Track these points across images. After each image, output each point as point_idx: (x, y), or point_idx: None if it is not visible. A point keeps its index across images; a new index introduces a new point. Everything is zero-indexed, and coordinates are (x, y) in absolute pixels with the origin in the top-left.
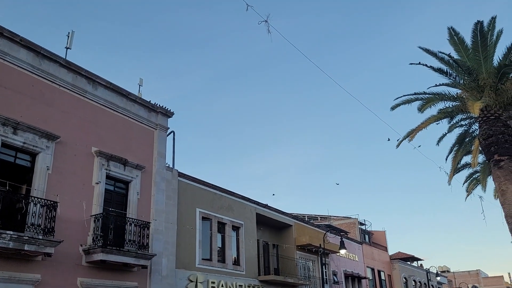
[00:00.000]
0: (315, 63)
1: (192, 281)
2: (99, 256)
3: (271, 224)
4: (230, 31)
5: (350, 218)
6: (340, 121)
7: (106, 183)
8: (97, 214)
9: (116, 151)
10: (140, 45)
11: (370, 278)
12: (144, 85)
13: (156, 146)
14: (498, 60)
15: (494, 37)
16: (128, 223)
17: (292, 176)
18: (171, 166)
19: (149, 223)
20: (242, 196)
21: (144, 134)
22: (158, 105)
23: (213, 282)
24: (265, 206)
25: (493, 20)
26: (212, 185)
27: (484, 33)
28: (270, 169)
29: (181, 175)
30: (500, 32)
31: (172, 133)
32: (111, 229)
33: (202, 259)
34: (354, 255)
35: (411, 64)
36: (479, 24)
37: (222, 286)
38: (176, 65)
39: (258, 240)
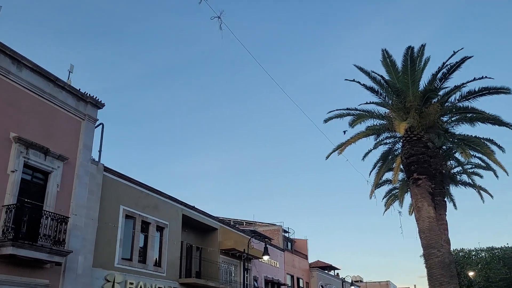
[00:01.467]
0: (262, 66)
1: (109, 281)
2: (8, 250)
3: (197, 227)
4: (178, 25)
5: (275, 225)
6: (276, 127)
7: (23, 172)
8: (10, 205)
9: (37, 139)
10: (74, 31)
11: (289, 285)
12: (76, 72)
13: (83, 138)
14: (424, 85)
15: (422, 63)
16: (44, 216)
17: (220, 179)
18: (96, 159)
19: (68, 217)
20: (169, 196)
21: (70, 124)
22: (88, 95)
23: (131, 283)
24: (192, 208)
25: (422, 47)
26: (139, 182)
27: (414, 59)
28: (199, 170)
29: (107, 169)
30: (428, 59)
31: (101, 125)
32: (24, 221)
33: (122, 258)
34: (276, 262)
35: (346, 80)
36: (410, 49)
37: (141, 287)
38: (112, 56)
39: (182, 242)
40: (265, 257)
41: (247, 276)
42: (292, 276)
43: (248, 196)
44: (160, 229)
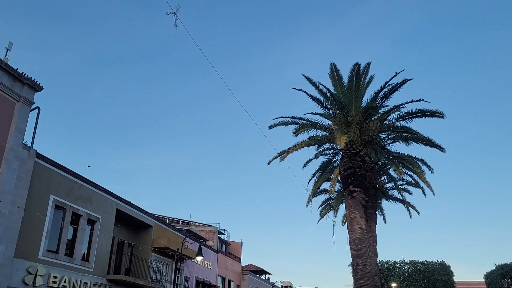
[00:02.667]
0: (214, 68)
1: (31, 274)
2: None
3: (131, 223)
4: (132, 15)
5: (211, 226)
6: (224, 129)
7: None
8: None
9: None
10: (16, 5)
11: (220, 287)
12: (14, 51)
13: (15, 120)
14: (367, 102)
15: (367, 80)
16: None
17: (161, 176)
18: (29, 145)
19: None
20: (105, 189)
21: (3, 104)
22: (26, 75)
23: (55, 277)
24: (128, 202)
25: (368, 65)
26: (73, 172)
27: (359, 75)
28: (140, 165)
29: (39, 156)
30: (372, 77)
31: (37, 109)
32: None
33: (47, 250)
34: (208, 263)
35: (294, 89)
36: (356, 66)
37: (65, 282)
38: (57, 39)
39: (114, 237)
40: (199, 258)
41: (178, 276)
42: (223, 278)
43: (187, 196)
44: (91, 222)
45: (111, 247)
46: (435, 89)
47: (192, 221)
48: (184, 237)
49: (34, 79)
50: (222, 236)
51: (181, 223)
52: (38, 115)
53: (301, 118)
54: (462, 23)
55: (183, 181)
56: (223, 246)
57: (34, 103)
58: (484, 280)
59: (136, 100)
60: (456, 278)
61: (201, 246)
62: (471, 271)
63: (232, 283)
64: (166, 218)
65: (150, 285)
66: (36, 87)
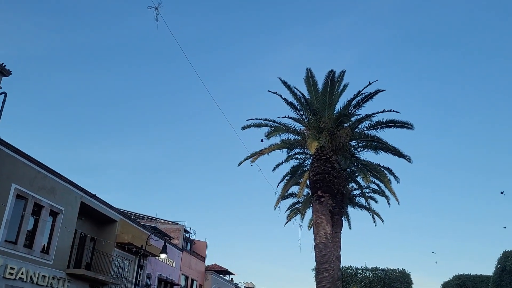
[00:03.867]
0: (193, 66)
1: None
2: None
3: (95, 216)
4: (112, 7)
5: (177, 223)
6: (199, 127)
7: None
8: None
9: None
10: None
11: (183, 286)
12: None
13: None
14: (340, 109)
15: (341, 88)
16: None
17: (131, 171)
18: None
19: None
20: (70, 180)
21: None
22: None
23: (12, 268)
24: (93, 196)
25: (342, 73)
26: (37, 161)
27: (334, 83)
28: (109, 159)
29: (2, 143)
30: (346, 85)
31: (3, 94)
32: None
33: (5, 241)
34: (172, 261)
35: (269, 91)
36: (331, 73)
37: (23, 274)
38: (30, 25)
39: (76, 230)
40: (163, 256)
41: (140, 273)
42: (187, 277)
43: (155, 192)
44: (53, 214)
45: (73, 241)
46: (406, 101)
47: (158, 218)
48: (149, 233)
49: (2, 63)
50: (187, 235)
51: (146, 219)
52: (4, 101)
53: (274, 121)
54: (433, 37)
55: (152, 177)
56: (188, 244)
57: (0, 87)
58: None
59: (109, 93)
60: (414, 287)
61: (166, 244)
62: (429, 281)
63: (195, 282)
64: (132, 214)
65: (111, 280)
66: (3, 72)
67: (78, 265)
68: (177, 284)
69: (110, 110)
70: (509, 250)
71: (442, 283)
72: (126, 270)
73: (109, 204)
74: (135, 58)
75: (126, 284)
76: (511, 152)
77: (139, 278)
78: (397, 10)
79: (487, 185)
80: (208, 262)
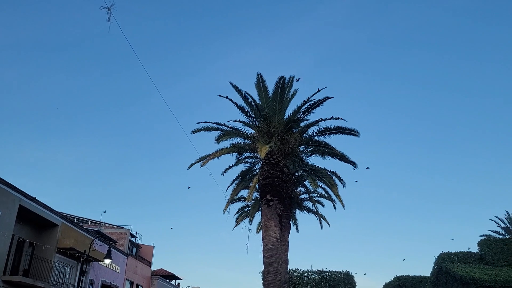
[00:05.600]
0: (144, 67)
1: None
2: None
3: (35, 220)
4: (63, 5)
5: (122, 228)
6: (149, 129)
7: None
8: None
9: None
10: None
11: None
12: None
13: None
14: (289, 115)
15: (291, 94)
16: None
17: (72, 172)
18: None
19: None
20: (7, 182)
21: None
22: None
23: None
24: (33, 199)
25: (292, 79)
26: None
27: (284, 88)
28: (49, 159)
29: None
30: (296, 91)
31: None
32: None
33: None
34: (117, 266)
35: (219, 96)
36: (281, 79)
37: None
38: None
39: (13, 235)
40: (107, 261)
41: (83, 279)
42: (131, 283)
43: (100, 195)
44: None
45: (10, 246)
46: (357, 106)
47: (102, 222)
48: (93, 238)
49: None
50: (133, 239)
51: (90, 223)
52: None
53: (224, 125)
54: (387, 43)
55: (97, 179)
56: (134, 249)
57: None
58: None
59: (55, 90)
60: None
61: (110, 249)
62: (372, 282)
63: None
64: (75, 218)
65: (51, 287)
66: None
67: (15, 271)
68: None
69: (54, 108)
70: (446, 252)
71: (384, 284)
72: (67, 276)
73: (50, 208)
74: (86, 58)
75: None
76: (456, 153)
77: (81, 284)
78: (352, 17)
79: (427, 190)
80: (155, 266)
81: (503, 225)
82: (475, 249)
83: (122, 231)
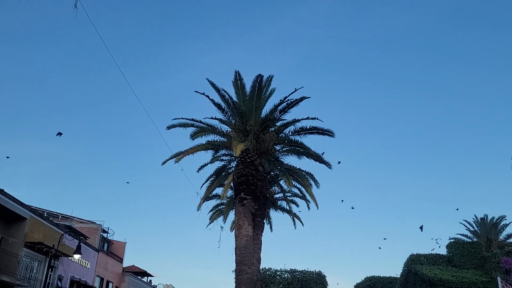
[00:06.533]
0: (114, 59)
1: None
2: None
3: (2, 213)
4: None
5: (94, 223)
6: (122, 124)
7: None
8: None
9: None
10: None
11: None
12: None
13: None
14: (266, 113)
15: (268, 93)
16: None
17: (43, 166)
18: None
19: None
20: None
21: None
22: None
23: None
24: (0, 191)
25: (270, 78)
26: None
27: (261, 87)
28: (19, 152)
29: None
30: (273, 90)
31: None
32: None
33: None
34: (87, 262)
35: (196, 92)
36: (259, 77)
37: None
38: None
39: None
40: (76, 256)
41: (51, 274)
42: (102, 279)
43: (73, 190)
44: None
45: None
46: (333, 109)
47: (73, 217)
48: (63, 233)
49: None
50: (105, 235)
51: (61, 217)
52: None
53: (200, 122)
54: (367, 45)
55: (70, 174)
56: (105, 245)
57: None
58: None
59: (22, 79)
60: None
61: (80, 244)
62: (343, 282)
63: (110, 284)
64: (45, 212)
65: (17, 282)
66: None
67: None
68: (91, 286)
69: (23, 99)
70: (415, 253)
71: (355, 284)
72: (35, 271)
73: (18, 201)
74: (55, 48)
75: (34, 286)
76: (433, 154)
77: (49, 279)
78: (333, 19)
79: (401, 191)
80: (127, 263)
81: (471, 228)
82: (444, 251)
83: (93, 227)
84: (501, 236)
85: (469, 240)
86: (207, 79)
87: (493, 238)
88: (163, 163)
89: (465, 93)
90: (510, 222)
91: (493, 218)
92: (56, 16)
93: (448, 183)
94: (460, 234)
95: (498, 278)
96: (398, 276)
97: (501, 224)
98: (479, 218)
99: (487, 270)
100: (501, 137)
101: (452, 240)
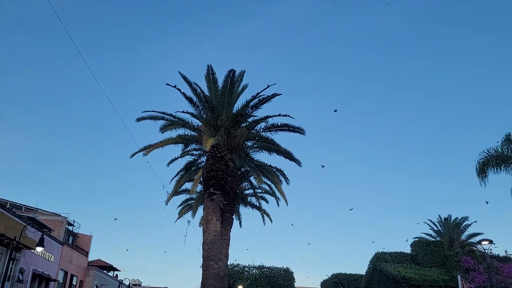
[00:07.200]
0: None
1: None
2: None
3: None
4: None
5: (59, 215)
6: (90, 118)
7: None
8: None
9: None
10: None
11: (60, 282)
12: None
13: None
14: (238, 109)
15: (240, 88)
16: None
17: (6, 156)
18: None
19: None
20: None
21: None
22: None
23: None
24: None
25: (242, 73)
26: None
27: (234, 82)
28: None
29: None
30: (246, 86)
31: None
32: None
33: None
34: (50, 255)
35: (167, 84)
36: (231, 72)
37: None
38: None
39: None
40: (39, 249)
41: (12, 267)
42: (66, 273)
43: (37, 181)
44: None
45: None
46: (305, 106)
47: (38, 209)
48: (25, 224)
49: None
50: (71, 228)
51: (24, 209)
52: None
53: (171, 115)
54: (341, 44)
55: (35, 165)
56: (71, 238)
57: None
58: (320, 287)
59: None
60: (296, 284)
61: (44, 236)
62: (311, 279)
63: (75, 278)
64: (7, 203)
65: None
66: None
67: None
68: (54, 280)
69: None
70: (381, 251)
71: (322, 281)
72: None
73: None
74: (21, 38)
75: None
76: (406, 152)
77: (10, 272)
78: (305, 16)
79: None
80: (93, 257)
81: (435, 228)
82: (408, 249)
83: (58, 219)
84: (463, 236)
85: (432, 239)
86: (179, 72)
87: (455, 237)
88: (132, 155)
89: (440, 89)
90: (472, 223)
91: (456, 218)
92: (20, 4)
93: (424, 181)
94: (424, 233)
95: (458, 277)
96: (364, 273)
97: (463, 225)
98: (443, 218)
99: (449, 268)
100: (500, 137)
101: (416, 239)
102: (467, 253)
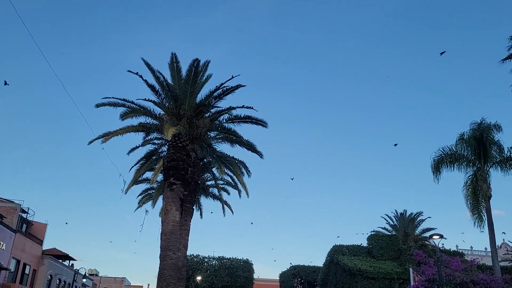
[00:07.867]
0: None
1: None
2: None
3: None
4: None
5: (12, 202)
6: (47, 104)
7: None
8: None
9: None
10: None
11: (12, 270)
12: None
13: None
14: (201, 99)
15: (204, 78)
16: None
17: None
18: None
19: None
20: None
21: None
22: None
23: None
24: None
25: (206, 63)
26: None
27: (198, 71)
28: None
29: None
30: (210, 76)
31: None
32: None
33: None
34: (2, 243)
35: (129, 71)
36: (196, 61)
37: None
38: None
39: None
40: None
41: None
42: (18, 261)
43: None
44: None
45: None
46: (270, 98)
47: None
48: None
49: None
50: (24, 215)
51: None
52: None
53: (132, 102)
54: (308, 37)
55: None
56: (24, 226)
57: None
58: (278, 278)
59: None
60: (256, 276)
61: None
62: (269, 270)
63: (28, 267)
64: None
65: None
66: None
67: None
68: (6, 269)
69: None
70: (338, 244)
71: (280, 272)
72: None
73: None
74: None
75: None
76: (373, 146)
77: None
78: (271, 9)
79: (333, 183)
80: (48, 246)
81: (391, 222)
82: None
83: (11, 206)
84: (417, 231)
85: (388, 233)
86: (142, 59)
87: (409, 232)
88: (89, 142)
89: (404, 81)
90: (426, 218)
91: (411, 213)
92: None
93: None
94: (381, 228)
95: (410, 269)
96: (321, 265)
97: (417, 220)
98: (399, 213)
99: (402, 261)
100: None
101: (372, 233)
102: (419, 247)
